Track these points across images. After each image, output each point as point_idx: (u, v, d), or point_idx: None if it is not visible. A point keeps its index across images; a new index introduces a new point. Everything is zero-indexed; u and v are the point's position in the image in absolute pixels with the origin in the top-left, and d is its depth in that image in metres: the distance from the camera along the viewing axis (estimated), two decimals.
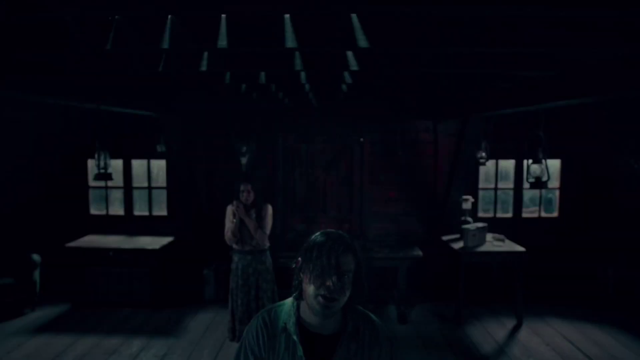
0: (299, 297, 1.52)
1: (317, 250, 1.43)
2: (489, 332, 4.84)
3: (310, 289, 1.42)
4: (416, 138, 6.17)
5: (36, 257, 5.36)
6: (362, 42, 2.17)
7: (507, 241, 5.35)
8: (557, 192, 6.26)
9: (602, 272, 5.56)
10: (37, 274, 5.34)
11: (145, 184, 6.32)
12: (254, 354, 1.50)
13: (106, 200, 6.32)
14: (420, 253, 5.37)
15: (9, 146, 5.78)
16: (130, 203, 6.32)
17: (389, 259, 5.30)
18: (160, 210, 6.37)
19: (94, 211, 6.36)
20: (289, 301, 1.58)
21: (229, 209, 4.12)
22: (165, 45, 2.21)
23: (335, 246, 1.42)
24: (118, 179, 6.20)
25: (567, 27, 2.20)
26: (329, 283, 1.39)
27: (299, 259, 1.50)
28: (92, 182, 6.23)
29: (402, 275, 5.27)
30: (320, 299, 1.40)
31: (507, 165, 6.32)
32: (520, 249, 5.06)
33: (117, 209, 6.39)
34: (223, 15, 2.19)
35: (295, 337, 1.47)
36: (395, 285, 5.40)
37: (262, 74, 3.74)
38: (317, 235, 1.50)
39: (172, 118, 5.56)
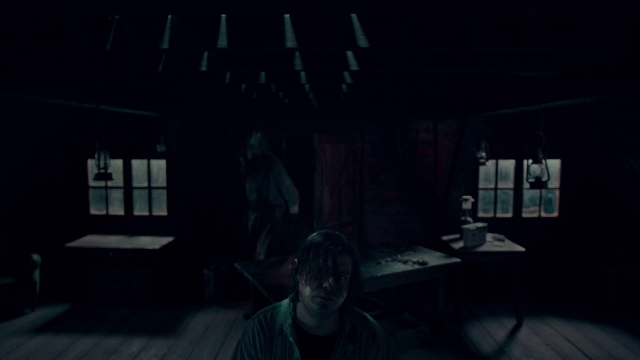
0: (296, 299, 1.51)
1: (313, 251, 1.41)
2: (489, 332, 4.84)
3: (306, 290, 1.41)
4: (416, 138, 6.18)
5: (36, 257, 5.36)
6: (362, 42, 2.17)
7: (507, 241, 5.35)
8: (557, 192, 6.27)
9: (602, 272, 5.56)
10: (37, 274, 5.34)
11: (145, 184, 6.32)
12: (250, 356, 1.49)
13: (106, 200, 6.33)
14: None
15: (9, 146, 5.78)
16: (130, 203, 6.32)
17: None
18: (160, 210, 6.37)
19: (94, 211, 6.36)
20: (285, 302, 1.56)
21: None
22: (165, 45, 2.21)
23: (332, 247, 1.41)
24: (118, 179, 6.20)
25: (567, 27, 2.20)
26: (325, 285, 1.38)
27: (295, 260, 1.49)
28: (92, 182, 6.23)
29: None
30: (317, 299, 1.39)
31: (507, 165, 6.32)
32: (520, 249, 5.06)
33: (117, 209, 6.39)
34: (223, 15, 2.19)
35: (291, 339, 1.46)
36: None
37: (262, 74, 3.74)
38: (313, 236, 1.48)
39: (172, 118, 5.57)
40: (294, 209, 5.52)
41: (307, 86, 4.31)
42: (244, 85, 4.26)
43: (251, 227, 5.57)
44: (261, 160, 5.45)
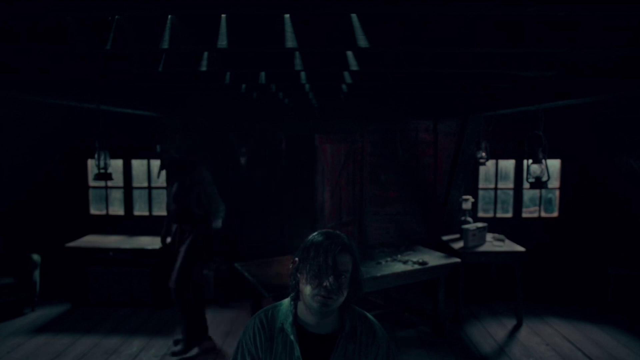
0: (296, 298, 1.52)
1: (314, 250, 1.43)
2: (489, 332, 4.84)
3: (307, 288, 1.42)
4: (416, 138, 6.18)
5: (36, 257, 5.36)
6: (362, 42, 2.17)
7: (507, 241, 5.35)
8: (557, 192, 6.27)
9: (602, 272, 5.56)
10: (37, 274, 5.34)
11: (145, 184, 6.33)
12: (250, 355, 1.50)
13: (106, 200, 6.33)
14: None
15: (9, 146, 5.78)
16: (130, 203, 6.32)
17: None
18: (160, 210, 6.37)
19: (94, 211, 6.36)
20: (286, 302, 1.58)
21: None
22: (165, 45, 2.21)
23: (332, 246, 1.42)
24: (118, 179, 6.20)
25: (567, 27, 2.21)
26: (325, 283, 1.39)
27: (296, 259, 1.50)
28: (92, 182, 6.23)
29: None
30: (318, 297, 1.40)
31: (507, 165, 6.32)
32: (520, 249, 5.06)
33: (117, 209, 6.39)
34: (223, 15, 2.19)
35: (292, 337, 1.47)
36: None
37: (262, 74, 3.75)
38: (314, 235, 1.50)
39: (172, 118, 5.57)
40: (217, 223, 4.51)
41: (307, 86, 4.32)
42: (244, 85, 4.26)
43: (171, 242, 4.59)
44: (180, 165, 4.46)
